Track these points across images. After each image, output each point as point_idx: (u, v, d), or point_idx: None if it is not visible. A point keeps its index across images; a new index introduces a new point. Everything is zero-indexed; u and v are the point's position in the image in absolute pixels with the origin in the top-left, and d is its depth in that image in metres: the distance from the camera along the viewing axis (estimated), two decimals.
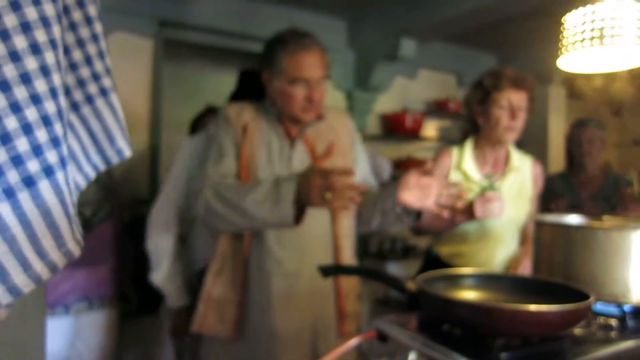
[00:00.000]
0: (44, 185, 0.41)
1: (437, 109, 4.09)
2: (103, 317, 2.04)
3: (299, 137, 1.50)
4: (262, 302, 1.42)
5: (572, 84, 4.32)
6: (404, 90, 4.09)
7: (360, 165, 1.61)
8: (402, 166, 3.76)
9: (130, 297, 2.31)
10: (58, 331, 1.90)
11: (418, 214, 1.39)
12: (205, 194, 1.36)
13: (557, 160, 4.28)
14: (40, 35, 0.41)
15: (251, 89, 1.93)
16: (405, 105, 3.98)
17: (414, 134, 3.84)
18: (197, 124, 2.42)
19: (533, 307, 0.76)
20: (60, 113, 0.42)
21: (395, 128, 3.83)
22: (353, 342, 0.91)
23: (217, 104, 2.52)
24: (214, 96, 3.97)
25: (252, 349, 1.43)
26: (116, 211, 2.11)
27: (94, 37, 0.52)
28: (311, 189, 1.20)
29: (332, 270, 1.07)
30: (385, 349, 0.92)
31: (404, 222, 1.39)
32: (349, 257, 1.50)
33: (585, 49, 1.03)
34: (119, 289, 2.13)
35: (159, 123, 3.10)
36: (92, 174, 0.53)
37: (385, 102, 3.93)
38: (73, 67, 0.49)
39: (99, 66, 0.52)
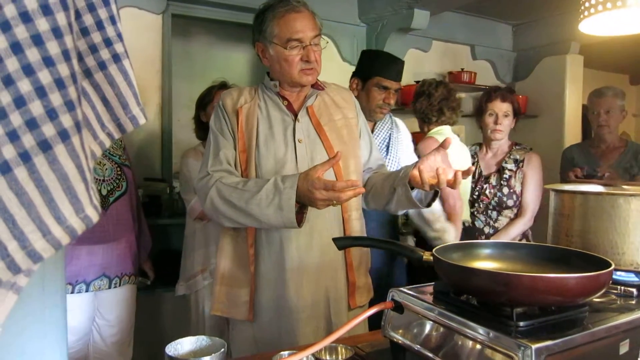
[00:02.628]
0: (59, 150, 0.40)
1: (451, 81, 4.01)
2: (121, 292, 2.08)
3: (303, 110, 1.49)
4: (275, 279, 1.42)
5: (590, 53, 4.21)
6: (417, 63, 4.02)
7: (366, 140, 1.60)
8: (415, 139, 3.72)
9: (147, 273, 2.35)
10: (78, 307, 1.95)
11: (434, 196, 1.37)
12: (210, 194, 1.37)
13: (574, 130, 4.21)
14: None
15: None
16: (418, 78, 3.90)
17: None
18: (205, 101, 2.39)
19: (553, 275, 0.76)
20: (73, 76, 0.42)
21: (408, 101, 3.77)
22: (370, 312, 0.91)
23: (225, 79, 2.50)
24: (224, 72, 3.94)
25: (269, 327, 1.44)
26: (131, 189, 2.13)
27: (105, 1, 0.50)
28: (315, 200, 1.23)
29: (346, 242, 1.07)
30: (402, 320, 0.92)
31: (411, 203, 1.35)
32: (358, 228, 1.49)
33: (607, 12, 0.99)
34: (136, 264, 2.16)
35: (170, 100, 3.10)
36: (107, 142, 0.52)
37: None
38: (84, 32, 0.48)
39: (110, 31, 0.51)
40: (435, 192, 1.34)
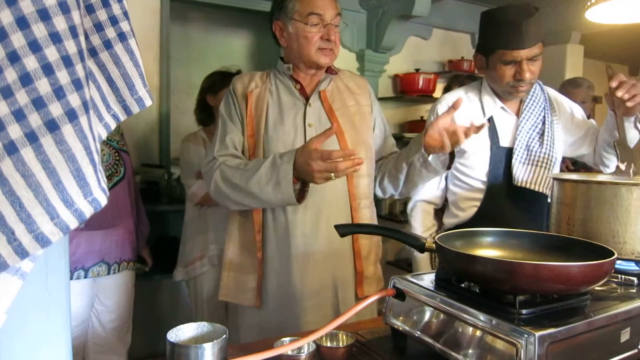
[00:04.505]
0: (67, 130, 0.39)
1: (451, 69, 4.00)
2: (120, 278, 2.08)
3: (316, 95, 1.47)
4: (280, 266, 1.41)
5: (590, 43, 4.19)
6: (417, 51, 4.00)
7: (380, 126, 1.58)
8: (415, 128, 3.71)
9: (145, 259, 2.35)
10: (77, 293, 1.94)
11: (451, 157, 1.36)
12: (215, 177, 1.37)
13: None
14: None
15: None
16: (418, 66, 3.89)
17: (426, 95, 3.77)
18: (217, 86, 2.34)
19: (556, 264, 0.75)
20: (81, 53, 0.40)
21: (408, 89, 3.76)
22: (371, 299, 0.91)
23: (239, 67, 2.47)
24: (222, 57, 3.90)
25: (275, 313, 1.43)
26: (129, 175, 2.12)
27: None
28: (312, 172, 1.21)
29: (349, 229, 1.06)
30: (403, 307, 0.92)
31: (429, 168, 1.35)
32: (368, 217, 1.47)
33: (613, 0, 0.98)
34: (134, 251, 2.16)
35: (168, 86, 3.07)
36: (113, 124, 0.51)
37: (398, 63, 3.85)
38: (89, 9, 0.47)
39: (116, 9, 0.50)
40: (451, 154, 1.34)
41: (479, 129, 1.23)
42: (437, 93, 3.92)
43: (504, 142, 1.61)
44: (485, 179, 1.61)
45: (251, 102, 1.45)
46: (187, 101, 3.17)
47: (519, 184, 1.55)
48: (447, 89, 2.77)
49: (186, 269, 2.32)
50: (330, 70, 1.51)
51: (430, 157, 1.32)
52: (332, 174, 1.20)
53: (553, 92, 1.72)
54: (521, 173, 1.56)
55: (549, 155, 1.58)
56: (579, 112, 1.69)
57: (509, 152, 1.59)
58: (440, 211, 1.81)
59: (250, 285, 1.44)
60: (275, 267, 1.42)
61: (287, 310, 1.42)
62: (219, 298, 1.50)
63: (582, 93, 2.66)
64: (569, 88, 2.73)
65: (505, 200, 1.60)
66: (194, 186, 2.23)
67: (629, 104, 1.28)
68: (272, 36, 1.52)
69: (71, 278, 1.91)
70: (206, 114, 2.39)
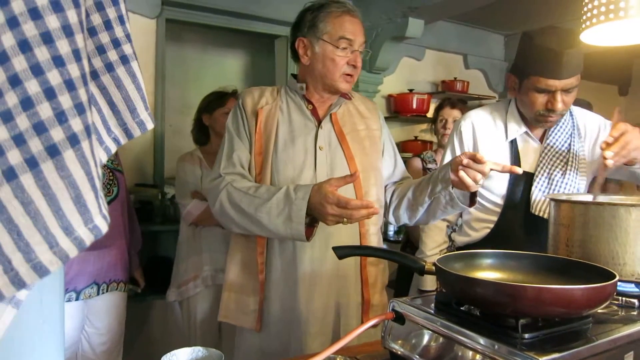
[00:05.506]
0: (68, 155, 0.38)
1: (444, 90, 4.04)
2: (111, 300, 2.04)
3: (327, 117, 1.44)
4: (285, 290, 1.37)
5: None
6: (411, 71, 4.04)
7: (389, 151, 1.55)
8: (409, 148, 3.73)
9: (138, 280, 2.32)
10: (67, 316, 1.90)
11: (473, 196, 1.31)
12: (220, 197, 1.33)
13: None
14: None
15: None
16: (412, 86, 3.93)
17: (420, 115, 3.80)
18: (213, 106, 2.35)
19: (559, 287, 0.75)
20: (84, 77, 0.39)
21: (402, 109, 3.79)
22: (371, 323, 0.89)
23: (235, 87, 2.48)
24: (217, 77, 3.93)
25: (276, 338, 1.39)
26: (122, 194, 2.10)
27: (113, 0, 0.49)
28: (326, 215, 1.18)
29: (347, 251, 1.05)
30: (402, 330, 0.91)
31: (455, 206, 1.31)
32: (375, 244, 1.43)
33: (609, 22, 1.00)
34: (127, 272, 2.12)
35: (163, 106, 3.07)
36: (113, 148, 0.50)
37: (392, 83, 3.88)
38: (91, 31, 0.46)
39: (118, 31, 0.49)
40: (474, 192, 1.29)
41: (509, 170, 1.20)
42: (430, 113, 3.95)
43: (525, 166, 1.56)
44: (501, 202, 1.58)
45: (261, 119, 1.40)
46: (181, 121, 3.18)
47: (535, 212, 1.52)
48: (438, 109, 2.81)
49: (179, 290, 2.29)
50: (345, 95, 1.49)
51: (455, 193, 1.29)
52: (345, 219, 1.17)
53: (582, 115, 1.65)
54: (540, 201, 1.52)
55: (571, 185, 1.52)
56: (608, 131, 1.62)
57: (530, 178, 1.55)
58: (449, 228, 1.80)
59: (251, 308, 1.40)
60: (279, 291, 1.38)
61: (288, 335, 1.38)
62: (218, 319, 1.45)
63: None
64: None
65: (520, 225, 1.57)
66: (189, 205, 2.22)
67: (609, 164, 1.21)
68: (292, 52, 1.48)
69: None
70: (202, 134, 2.39)
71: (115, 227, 2.02)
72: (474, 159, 1.17)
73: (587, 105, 2.74)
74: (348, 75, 1.40)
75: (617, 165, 1.27)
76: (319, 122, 1.43)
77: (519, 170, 1.20)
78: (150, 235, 2.76)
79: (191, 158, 2.31)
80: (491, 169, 1.19)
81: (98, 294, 1.97)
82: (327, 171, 1.38)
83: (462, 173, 1.20)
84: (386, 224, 3.75)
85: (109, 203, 1.98)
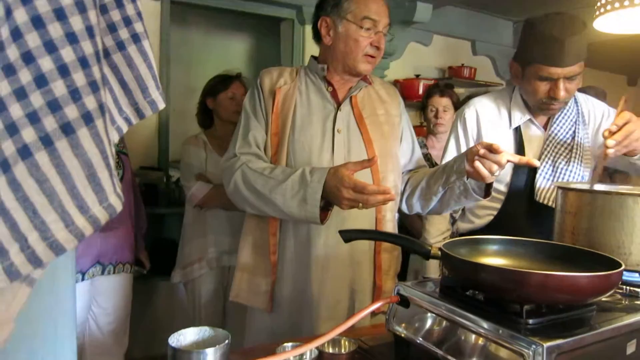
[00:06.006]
0: (83, 133, 0.38)
1: (451, 76, 4.00)
2: (118, 280, 2.06)
3: (347, 100, 1.42)
4: (298, 273, 1.37)
5: (590, 52, 4.20)
6: (418, 57, 4.00)
7: (408, 139, 1.53)
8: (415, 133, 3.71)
9: (143, 262, 2.33)
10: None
11: (488, 187, 1.28)
12: (235, 177, 1.32)
13: None
14: None
15: None
16: (418, 72, 3.90)
17: None
18: (218, 89, 2.34)
19: (565, 274, 0.75)
20: (97, 54, 0.39)
21: (408, 95, 3.76)
22: (375, 306, 0.90)
23: (240, 71, 2.47)
24: (221, 60, 3.90)
25: (287, 319, 1.39)
26: (128, 176, 2.10)
27: None
28: (341, 199, 1.16)
29: (354, 235, 1.05)
30: (407, 314, 0.92)
31: (469, 196, 1.29)
32: (390, 230, 1.42)
33: (623, 9, 0.98)
34: (132, 253, 2.14)
35: (168, 89, 3.06)
36: (125, 128, 0.50)
37: (399, 69, 3.85)
38: (102, 9, 0.46)
39: (130, 9, 0.49)
40: (490, 183, 1.27)
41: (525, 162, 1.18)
42: None
43: (529, 154, 1.55)
44: (505, 189, 1.57)
45: (278, 99, 1.38)
46: (186, 104, 3.16)
47: (539, 200, 1.51)
48: (427, 96, 2.78)
49: (184, 271, 2.30)
50: (365, 78, 1.46)
51: (470, 184, 1.28)
52: (360, 204, 1.16)
53: (586, 102, 1.63)
54: (544, 189, 1.52)
55: (575, 173, 1.52)
56: (612, 119, 1.58)
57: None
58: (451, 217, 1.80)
59: (263, 289, 1.39)
60: (291, 273, 1.37)
61: (300, 317, 1.38)
62: (230, 299, 1.45)
63: None
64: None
65: (523, 213, 1.56)
66: (193, 188, 2.22)
67: (610, 153, 1.21)
68: (314, 32, 1.46)
69: None
70: (206, 117, 2.39)
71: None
72: (491, 149, 1.15)
73: (603, 94, 2.71)
74: (370, 56, 1.38)
75: (616, 155, 1.26)
76: (338, 104, 1.41)
77: (537, 163, 1.19)
78: (155, 218, 2.77)
79: (196, 141, 2.31)
80: (508, 161, 1.16)
81: (102, 273, 1.98)
82: (344, 154, 1.36)
83: (477, 164, 1.18)
84: None
85: None
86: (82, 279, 1.93)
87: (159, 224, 2.93)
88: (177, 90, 3.54)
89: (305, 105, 1.39)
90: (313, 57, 1.49)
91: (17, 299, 0.40)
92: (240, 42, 4.31)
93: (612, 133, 1.21)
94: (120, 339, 2.13)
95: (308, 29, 3.38)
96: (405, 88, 3.78)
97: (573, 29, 1.37)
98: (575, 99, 1.59)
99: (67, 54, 0.38)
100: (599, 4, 1.03)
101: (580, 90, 2.71)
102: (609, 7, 0.97)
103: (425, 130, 2.91)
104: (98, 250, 1.94)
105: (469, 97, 2.80)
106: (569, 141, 1.54)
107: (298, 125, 1.37)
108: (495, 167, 1.17)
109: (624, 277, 1.01)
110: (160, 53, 3.00)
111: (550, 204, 1.49)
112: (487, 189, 1.29)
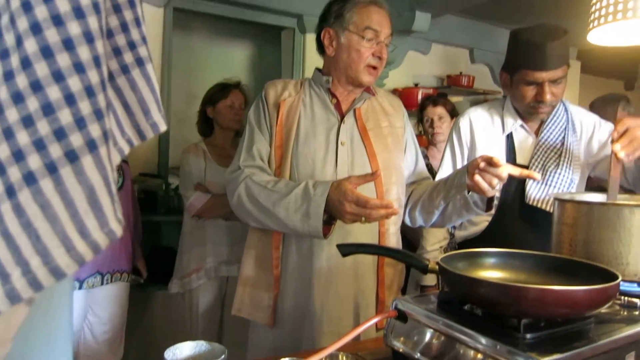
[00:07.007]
0: (87, 161, 0.39)
1: (450, 84, 4.02)
2: (114, 289, 2.06)
3: (351, 112, 1.42)
4: (300, 288, 1.35)
5: (587, 59, 4.23)
6: (417, 65, 4.02)
7: (411, 150, 1.53)
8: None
9: (140, 270, 2.33)
10: None
11: (490, 200, 1.28)
12: (239, 190, 1.32)
13: None
14: None
15: None
16: (417, 81, 3.91)
17: None
18: (217, 98, 2.35)
19: (562, 288, 0.75)
20: (103, 83, 0.40)
21: (407, 103, 3.75)
22: (373, 321, 0.90)
23: (239, 79, 2.48)
24: (223, 68, 3.92)
25: (290, 336, 1.37)
26: (128, 185, 2.11)
27: (131, 3, 0.49)
28: (344, 213, 1.16)
29: (352, 249, 1.05)
30: (405, 328, 0.92)
31: (470, 210, 1.29)
32: (394, 244, 1.41)
33: (617, 22, 0.99)
34: (130, 262, 2.14)
35: (169, 95, 3.07)
36: (127, 149, 0.51)
37: (397, 77, 3.87)
38: (108, 34, 0.47)
39: (135, 34, 0.49)
40: (492, 196, 1.27)
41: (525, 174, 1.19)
42: None
43: (521, 159, 1.60)
44: (498, 194, 1.59)
45: (283, 111, 1.39)
46: (187, 110, 3.17)
47: (530, 203, 1.54)
48: (422, 109, 2.83)
49: (182, 281, 2.30)
50: (369, 90, 1.47)
51: (472, 197, 1.27)
52: (363, 218, 1.16)
53: (578, 112, 1.68)
54: (534, 192, 1.55)
55: (564, 177, 1.56)
56: (604, 132, 1.63)
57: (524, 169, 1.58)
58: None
59: (265, 303, 1.38)
60: (293, 287, 1.36)
61: (302, 332, 1.36)
62: (232, 313, 1.44)
63: (611, 111, 2.63)
64: (606, 106, 2.71)
65: (517, 217, 1.59)
66: (192, 197, 2.22)
67: (622, 157, 1.21)
68: (317, 44, 1.47)
69: None
70: (206, 125, 2.39)
71: None
72: (491, 162, 1.15)
73: (626, 99, 2.71)
74: (372, 67, 1.38)
75: (630, 160, 1.26)
76: (342, 116, 1.41)
77: (538, 177, 1.20)
78: (153, 226, 2.77)
79: (196, 150, 2.31)
80: (509, 174, 1.16)
81: (102, 283, 1.98)
82: (348, 167, 1.36)
83: (477, 177, 1.17)
84: None
85: None
86: (80, 287, 1.92)
87: (157, 232, 2.93)
88: (178, 96, 3.55)
89: (309, 118, 1.39)
90: (317, 69, 1.50)
91: (15, 318, 0.41)
92: (242, 49, 4.33)
93: (615, 140, 1.23)
94: (115, 349, 2.12)
95: (308, 37, 3.40)
96: (404, 97, 3.78)
97: (554, 35, 1.46)
98: (566, 108, 1.65)
99: (74, 83, 0.39)
100: (592, 17, 1.04)
101: (601, 98, 2.72)
102: (602, 20, 0.98)
103: (425, 139, 2.93)
104: (97, 258, 1.94)
105: (472, 104, 2.83)
106: (558, 146, 1.60)
107: (302, 137, 1.36)
108: (495, 180, 1.17)
109: (622, 288, 1.02)
110: (162, 59, 3.02)
111: (540, 206, 1.53)
112: (489, 203, 1.29)
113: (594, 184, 2.49)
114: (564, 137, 1.60)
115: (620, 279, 0.81)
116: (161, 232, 2.99)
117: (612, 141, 1.23)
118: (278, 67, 3.70)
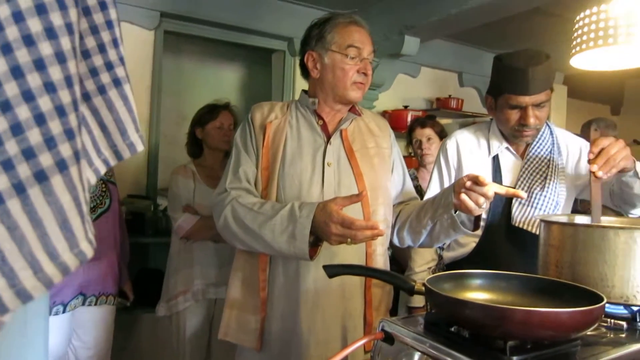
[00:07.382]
0: (56, 181, 0.38)
1: (439, 107, 4.07)
2: (99, 313, 2.02)
3: (337, 133, 1.42)
4: (287, 311, 1.34)
5: (574, 84, 4.31)
6: (406, 88, 4.07)
7: (398, 170, 1.53)
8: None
9: (126, 293, 2.29)
10: (54, 328, 1.88)
11: (477, 219, 1.28)
12: (225, 212, 1.31)
13: None
14: (56, 19, 0.38)
15: None
16: (407, 103, 3.96)
17: None
18: (206, 119, 2.36)
19: (547, 310, 0.75)
20: (75, 103, 0.40)
21: (397, 125, 3.81)
22: (358, 343, 0.89)
23: (228, 100, 2.49)
24: (213, 89, 3.95)
25: (278, 358, 1.35)
26: (115, 206, 2.09)
27: (109, 24, 0.49)
28: (329, 234, 1.16)
29: (338, 270, 1.05)
30: (392, 350, 0.91)
31: (457, 229, 1.28)
32: (381, 265, 1.41)
33: (598, 48, 1.01)
34: (116, 285, 2.11)
35: (159, 117, 3.08)
36: (103, 169, 0.50)
37: (387, 100, 3.92)
38: (85, 54, 0.47)
39: (112, 54, 0.49)
40: (479, 216, 1.27)
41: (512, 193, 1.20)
42: None
43: (507, 182, 1.61)
44: (485, 215, 1.60)
45: (269, 133, 1.39)
46: (177, 132, 3.18)
47: (516, 224, 1.55)
48: (410, 131, 2.87)
49: (169, 304, 2.26)
50: (354, 110, 1.47)
51: (460, 217, 1.27)
52: (349, 239, 1.15)
53: (564, 135, 1.70)
54: (520, 214, 1.56)
55: (549, 199, 1.57)
56: None
57: None
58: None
59: (252, 326, 1.36)
60: (280, 309, 1.34)
61: (289, 356, 1.33)
62: (219, 337, 1.41)
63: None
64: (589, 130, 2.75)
65: (504, 238, 1.59)
66: (180, 219, 2.21)
67: (600, 176, 1.23)
68: (301, 69, 1.49)
69: (50, 314, 1.85)
70: (196, 147, 2.39)
71: (106, 240, 2.01)
72: (477, 181, 1.15)
73: (613, 126, 2.76)
74: (359, 83, 1.40)
75: (609, 178, 1.28)
76: (329, 137, 1.41)
77: (524, 195, 1.20)
78: (141, 248, 2.74)
79: (185, 171, 2.30)
80: (495, 193, 1.16)
81: (83, 304, 1.94)
82: (334, 188, 1.35)
83: (463, 196, 1.17)
84: None
85: (100, 215, 1.97)
86: (64, 311, 1.88)
87: (145, 253, 2.89)
88: (168, 117, 3.56)
89: (296, 139, 1.40)
90: (304, 91, 1.51)
91: None
92: (233, 71, 4.37)
93: (591, 161, 1.25)
94: None
95: (298, 60, 3.44)
96: (393, 119, 3.83)
97: (536, 60, 1.47)
98: (551, 131, 1.67)
99: (44, 103, 0.38)
100: (574, 42, 1.06)
101: (589, 122, 2.75)
102: (584, 45, 1.01)
103: (416, 161, 2.95)
104: (81, 281, 1.91)
105: (462, 127, 2.85)
106: (544, 169, 1.61)
107: (288, 158, 1.36)
108: (481, 199, 1.17)
109: (608, 310, 1.02)
110: (152, 81, 3.03)
111: (526, 227, 1.54)
112: (476, 222, 1.29)
113: (586, 207, 2.51)
114: (549, 160, 1.62)
115: (605, 300, 0.81)
116: (149, 254, 2.96)
117: (589, 162, 1.24)
118: (269, 89, 3.73)
